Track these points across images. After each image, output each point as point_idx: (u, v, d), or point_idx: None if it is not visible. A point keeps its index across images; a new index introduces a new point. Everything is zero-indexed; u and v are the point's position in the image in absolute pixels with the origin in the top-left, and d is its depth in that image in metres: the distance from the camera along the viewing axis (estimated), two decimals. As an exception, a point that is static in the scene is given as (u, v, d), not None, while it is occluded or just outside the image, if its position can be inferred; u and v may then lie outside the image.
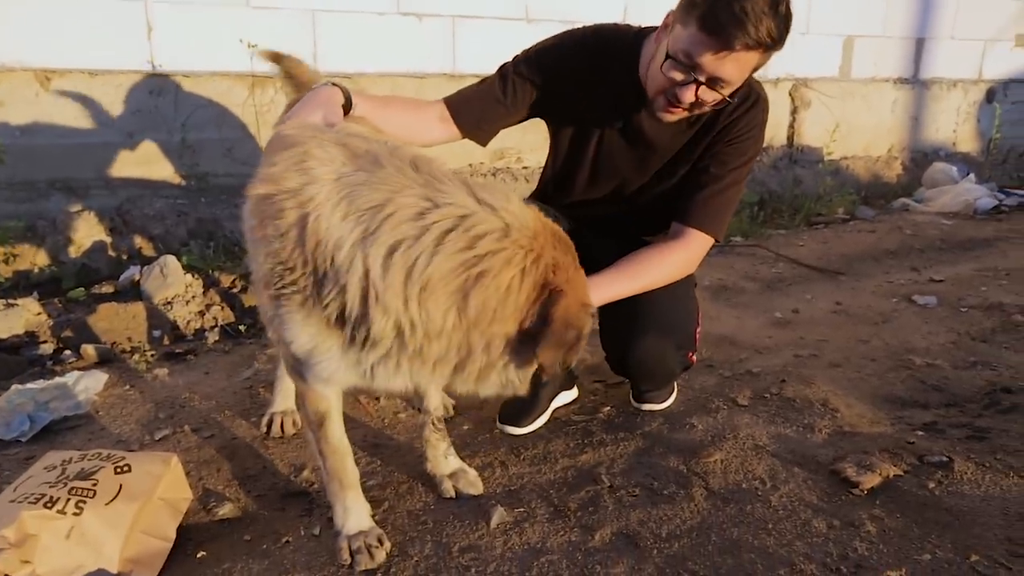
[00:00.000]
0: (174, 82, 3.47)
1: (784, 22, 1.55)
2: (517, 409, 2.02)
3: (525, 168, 4.39)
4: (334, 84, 1.63)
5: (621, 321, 1.86)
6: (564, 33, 1.91)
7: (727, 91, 1.64)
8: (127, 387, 2.28)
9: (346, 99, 1.61)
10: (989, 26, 5.89)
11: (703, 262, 1.93)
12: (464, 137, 1.89)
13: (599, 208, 2.00)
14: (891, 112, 5.72)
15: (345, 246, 1.19)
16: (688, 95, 1.63)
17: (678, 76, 1.63)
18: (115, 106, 3.39)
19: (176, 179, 3.57)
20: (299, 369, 1.37)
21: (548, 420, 2.06)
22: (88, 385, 2.14)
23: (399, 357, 1.24)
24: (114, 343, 2.62)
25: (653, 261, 1.78)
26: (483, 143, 1.93)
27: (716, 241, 1.86)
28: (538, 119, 1.98)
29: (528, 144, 4.29)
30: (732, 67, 1.58)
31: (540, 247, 1.23)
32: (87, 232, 3.30)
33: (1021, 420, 2.00)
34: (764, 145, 5.10)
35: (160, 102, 3.47)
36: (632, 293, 1.74)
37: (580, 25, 1.91)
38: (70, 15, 3.20)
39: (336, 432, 1.50)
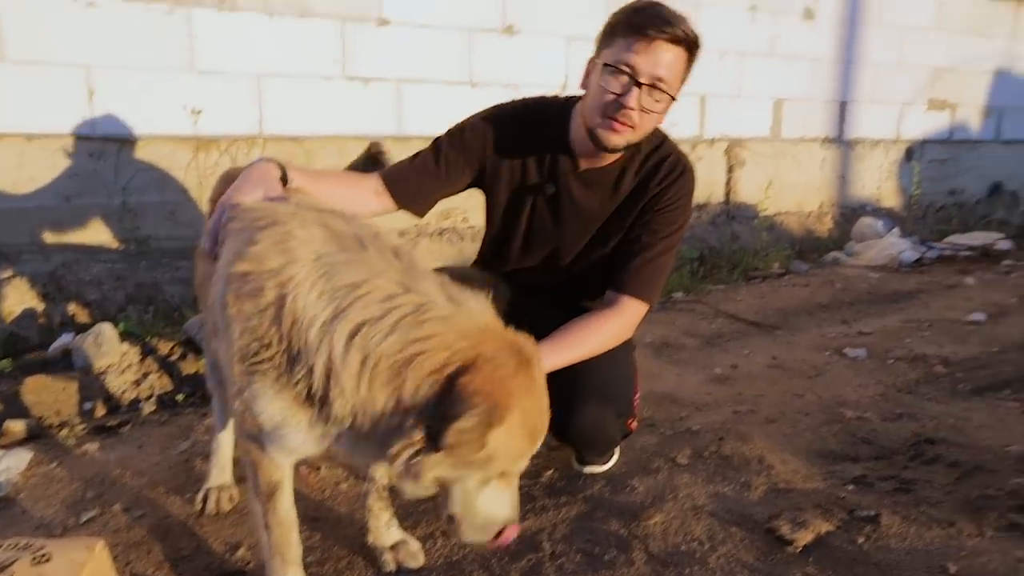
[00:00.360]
0: (115, 145, 3.45)
1: (694, 31, 1.71)
2: (460, 476, 2.02)
3: (471, 227, 4.46)
4: (267, 160, 1.65)
5: (561, 390, 1.88)
6: (495, 106, 2.01)
7: (666, 98, 1.73)
8: (53, 465, 2.19)
9: (282, 173, 1.64)
10: (904, 91, 6.31)
11: (645, 319, 1.99)
12: (399, 209, 1.93)
13: (536, 275, 2.05)
14: (820, 170, 6.03)
15: (316, 324, 1.22)
16: (632, 100, 1.70)
17: (617, 85, 1.72)
18: (52, 170, 3.34)
19: (115, 243, 3.51)
20: (261, 439, 1.37)
21: (491, 485, 2.06)
22: (9, 465, 2.05)
23: (357, 437, 1.26)
24: (41, 417, 2.52)
25: (590, 330, 1.83)
26: (419, 214, 1.98)
27: (650, 307, 1.92)
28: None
29: (473, 204, 4.36)
30: (663, 62, 1.69)
31: (482, 340, 1.22)
32: (17, 299, 3.20)
33: (943, 471, 2.09)
34: (703, 202, 5.40)
35: (100, 165, 3.44)
36: (570, 363, 1.78)
37: (523, 90, 2.00)
38: (7, 80, 3.17)
39: (286, 503, 1.48)
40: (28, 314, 3.20)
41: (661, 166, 1.92)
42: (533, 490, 2.03)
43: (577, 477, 2.09)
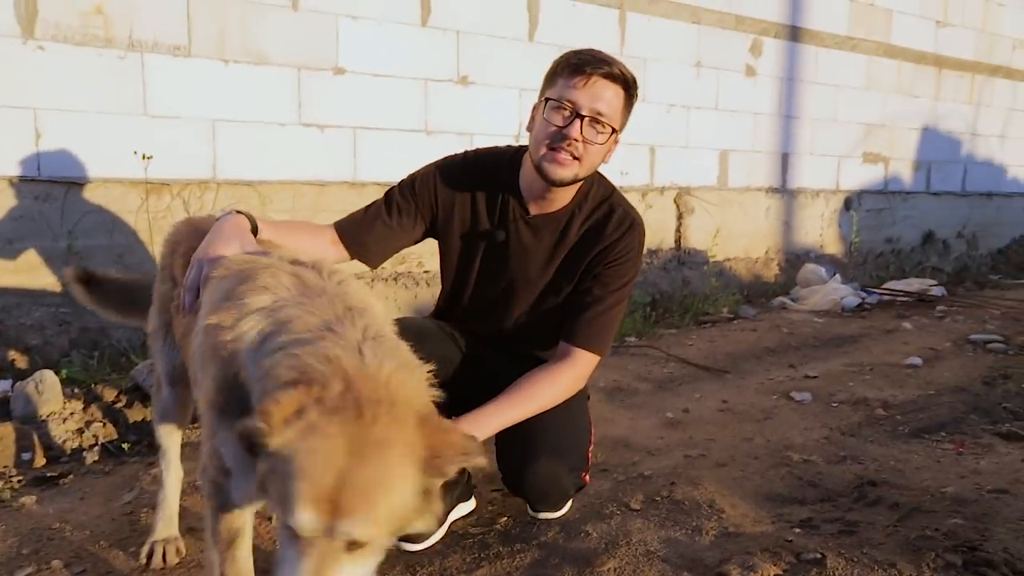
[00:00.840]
0: (63, 188, 3.39)
1: (630, 72, 1.85)
2: (414, 524, 2.01)
3: (426, 272, 4.48)
4: (237, 212, 1.67)
5: (515, 445, 1.92)
6: (446, 157, 2.09)
7: (608, 130, 1.83)
8: (-13, 519, 2.09)
9: (252, 225, 1.67)
10: (841, 145, 6.65)
11: (599, 364, 2.04)
12: (352, 259, 1.96)
13: (490, 324, 2.08)
14: (765, 218, 6.26)
15: (250, 354, 1.25)
16: (574, 130, 1.80)
17: (559, 118, 1.82)
18: (-5, 212, 3.26)
19: (59, 287, 3.42)
20: (225, 484, 1.36)
21: (445, 534, 2.05)
22: (-58, 520, 1.96)
23: None
24: (-24, 468, 2.42)
25: (542, 384, 1.87)
26: (372, 265, 2.03)
27: (601, 357, 1.97)
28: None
29: (430, 250, 4.36)
30: (602, 96, 1.80)
31: (359, 386, 1.10)
32: (-47, 345, 3.08)
33: (885, 512, 2.16)
34: (654, 248, 5.54)
35: (46, 208, 3.37)
36: (525, 417, 1.82)
37: (477, 138, 2.08)
38: (-49, 121, 3.10)
39: (245, 551, 1.46)
40: (-37, 361, 3.08)
41: (611, 218, 1.99)
42: (488, 537, 2.02)
43: (531, 523, 2.09)
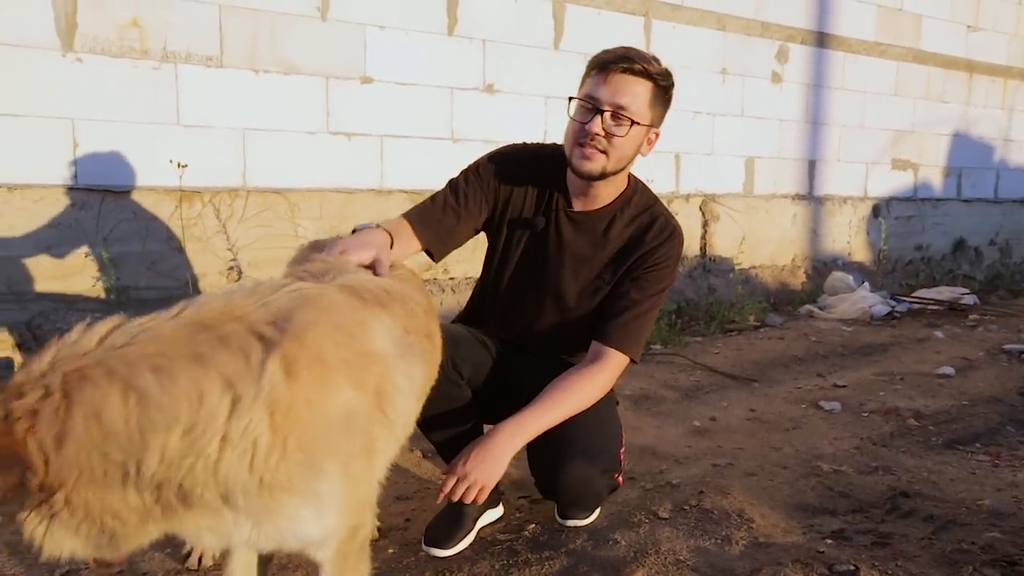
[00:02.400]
0: (98, 196, 3.46)
1: (661, 65, 1.88)
2: (443, 530, 2.02)
3: (451, 279, 4.51)
4: (377, 226, 1.79)
5: (547, 448, 1.92)
6: (504, 146, 2.13)
7: (628, 123, 1.84)
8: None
9: (390, 240, 1.78)
10: (869, 151, 6.57)
11: (625, 372, 2.04)
12: (424, 250, 1.99)
13: (522, 321, 2.09)
14: (792, 225, 6.20)
15: None
16: (595, 125, 1.84)
17: (583, 115, 1.87)
18: (33, 220, 3.34)
19: (94, 293, 3.49)
20: None
21: (474, 540, 2.05)
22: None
23: None
24: (15, 470, 2.47)
25: (577, 386, 1.88)
26: (436, 258, 2.04)
27: (633, 361, 1.98)
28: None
29: (454, 256, 4.42)
30: (624, 91, 1.83)
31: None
32: (-8, 349, 3.16)
33: (919, 524, 2.13)
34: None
35: (82, 216, 3.44)
36: (559, 421, 1.83)
37: (502, 146, 2.11)
38: (-7, 131, 3.19)
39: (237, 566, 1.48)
40: (3, 363, 3.15)
41: (653, 225, 2.01)
42: (516, 544, 2.03)
43: (560, 531, 2.09)
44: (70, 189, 3.40)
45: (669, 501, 2.27)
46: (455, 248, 2.07)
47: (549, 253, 2.04)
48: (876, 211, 6.72)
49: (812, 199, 6.28)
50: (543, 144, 2.14)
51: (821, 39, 6.08)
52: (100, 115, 3.41)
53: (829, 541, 2.03)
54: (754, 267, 5.94)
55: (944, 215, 7.25)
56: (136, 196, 3.55)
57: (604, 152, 1.87)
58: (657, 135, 1.98)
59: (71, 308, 3.43)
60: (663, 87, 1.90)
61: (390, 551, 2.02)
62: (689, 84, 5.41)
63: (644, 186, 2.10)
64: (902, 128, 6.77)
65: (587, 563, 1.91)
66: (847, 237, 6.57)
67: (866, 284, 5.87)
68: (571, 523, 2.11)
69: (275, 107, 3.85)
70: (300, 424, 1.09)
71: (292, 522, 1.16)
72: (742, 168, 5.85)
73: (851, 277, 5.90)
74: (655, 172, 5.26)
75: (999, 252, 7.74)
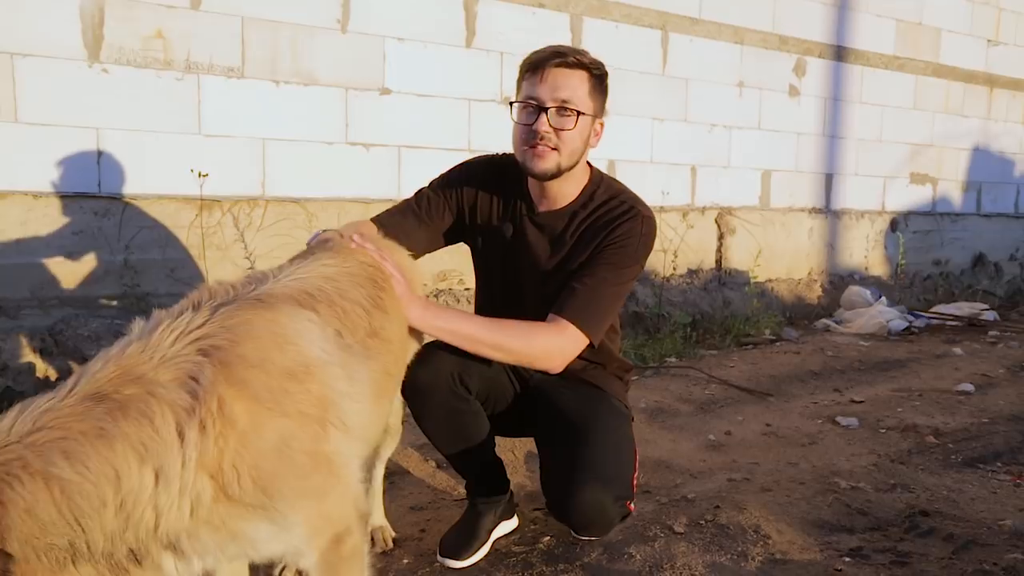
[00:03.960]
0: (120, 204, 3.52)
1: (586, 52, 1.89)
2: (458, 541, 2.02)
3: (467, 289, 4.52)
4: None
5: (559, 470, 1.90)
6: (472, 157, 2.18)
7: (574, 114, 1.85)
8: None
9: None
10: (887, 165, 6.53)
11: (638, 384, 2.01)
12: None
13: (514, 314, 2.08)
14: (808, 239, 6.17)
15: None
16: (542, 124, 1.84)
17: (527, 116, 1.88)
18: (57, 227, 3.39)
19: (115, 299, 3.53)
20: None
21: (489, 551, 2.05)
22: None
23: None
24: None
25: (521, 328, 1.87)
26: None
27: (590, 341, 1.90)
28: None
29: (470, 267, 4.44)
30: (561, 85, 1.84)
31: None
32: (15, 353, 3.20)
33: (939, 544, 2.10)
34: (694, 268, 5.50)
35: (104, 223, 3.49)
36: (477, 343, 1.82)
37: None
38: (19, 140, 3.25)
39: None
40: (25, 368, 3.19)
41: (614, 210, 1.98)
42: (531, 556, 2.02)
43: (574, 544, 2.08)
44: (94, 197, 3.45)
45: (684, 515, 2.25)
46: (421, 250, 2.07)
47: (521, 259, 2.05)
48: (894, 225, 6.67)
49: (829, 212, 6.25)
50: (508, 153, 2.12)
51: (839, 53, 6.06)
52: (124, 124, 3.46)
53: (847, 559, 2.01)
54: (770, 280, 5.90)
55: (963, 230, 7.18)
56: (157, 204, 3.60)
57: (555, 149, 1.87)
58: (602, 125, 1.97)
59: (92, 315, 3.47)
60: (598, 76, 1.90)
61: (405, 561, 2.02)
62: (706, 97, 5.41)
63: (609, 178, 2.08)
64: (921, 142, 6.72)
65: (602, 577, 1.90)
66: (864, 251, 6.52)
67: (883, 299, 5.82)
68: (586, 537, 2.10)
69: (295, 117, 3.90)
70: (241, 470, 1.11)
71: (255, 544, 1.20)
72: (758, 181, 5.83)
73: (868, 291, 5.85)
74: (670, 184, 5.26)
75: (1019, 267, 7.65)
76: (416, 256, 2.04)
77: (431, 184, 2.12)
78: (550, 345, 1.87)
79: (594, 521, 1.98)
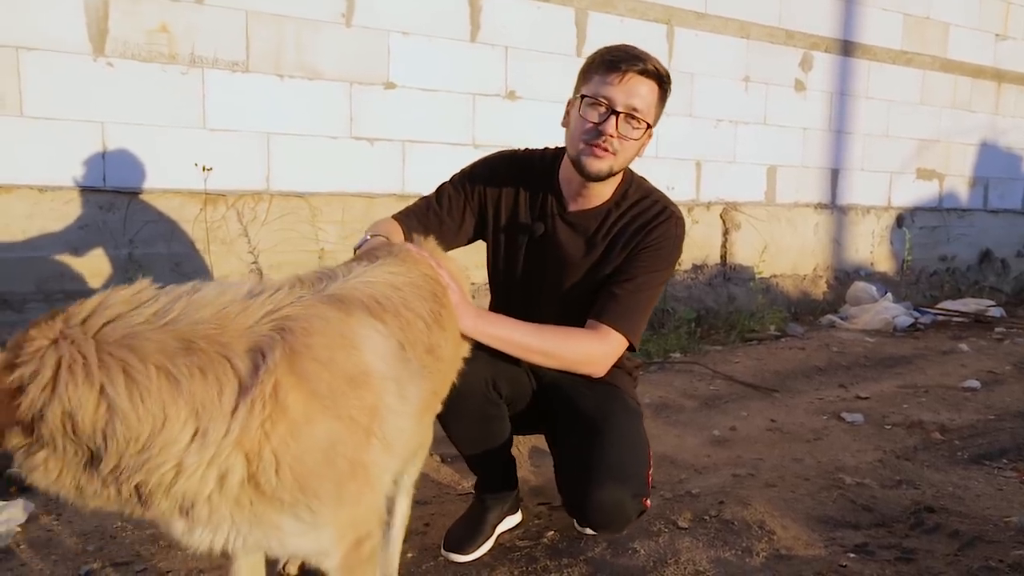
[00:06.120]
0: (125, 198, 3.52)
1: (664, 67, 1.87)
2: (462, 535, 2.02)
3: (472, 284, 4.51)
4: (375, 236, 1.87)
5: (575, 468, 1.88)
6: (494, 153, 2.13)
7: (643, 126, 1.85)
8: (54, 517, 2.17)
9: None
10: (893, 160, 6.50)
11: (643, 379, 2.01)
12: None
13: (539, 315, 2.08)
14: (814, 234, 6.14)
15: None
16: (610, 126, 1.82)
17: (595, 115, 1.84)
18: (62, 221, 3.40)
19: (119, 293, 3.53)
20: None
21: (493, 546, 2.05)
22: (10, 516, 2.04)
23: None
24: (41, 467, 2.50)
25: (567, 335, 1.86)
26: None
27: (631, 345, 1.92)
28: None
29: (475, 261, 4.43)
30: (637, 93, 1.82)
31: None
32: (21, 347, 3.21)
33: (945, 540, 2.10)
34: (699, 263, 5.48)
35: (109, 217, 3.50)
36: (528, 350, 1.81)
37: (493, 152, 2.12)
38: (24, 135, 3.25)
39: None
40: (30, 363, 3.20)
41: (649, 210, 1.98)
42: (535, 551, 2.02)
43: (578, 538, 2.08)
44: (98, 191, 3.45)
45: (689, 511, 2.25)
46: (445, 247, 2.05)
47: (551, 258, 2.02)
48: (900, 221, 6.64)
49: (835, 208, 6.22)
50: (531, 149, 2.13)
51: (846, 47, 6.03)
52: (129, 119, 3.46)
53: (852, 555, 2.00)
54: (775, 276, 5.88)
55: (970, 225, 7.14)
56: (162, 199, 3.61)
57: (613, 153, 1.86)
58: (651, 137, 1.96)
59: (97, 308, 3.48)
60: (665, 88, 1.89)
61: (409, 555, 2.02)
62: (711, 92, 5.39)
63: (639, 178, 2.07)
64: (927, 137, 6.69)
65: (606, 571, 1.90)
66: (870, 247, 6.50)
67: (889, 295, 5.79)
68: (590, 531, 2.10)
69: (299, 112, 3.89)
70: (281, 461, 1.10)
71: (279, 537, 1.19)
72: (764, 176, 5.81)
73: (874, 287, 5.83)
74: (676, 179, 5.24)
75: (1026, 264, 7.62)
76: None
77: (452, 180, 2.07)
78: (595, 351, 1.89)
79: (613, 519, 1.95)
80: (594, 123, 1.84)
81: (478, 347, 1.83)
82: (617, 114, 1.81)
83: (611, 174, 1.91)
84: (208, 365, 1.06)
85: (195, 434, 1.04)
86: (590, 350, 1.88)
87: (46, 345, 0.99)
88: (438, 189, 2.07)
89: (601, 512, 1.90)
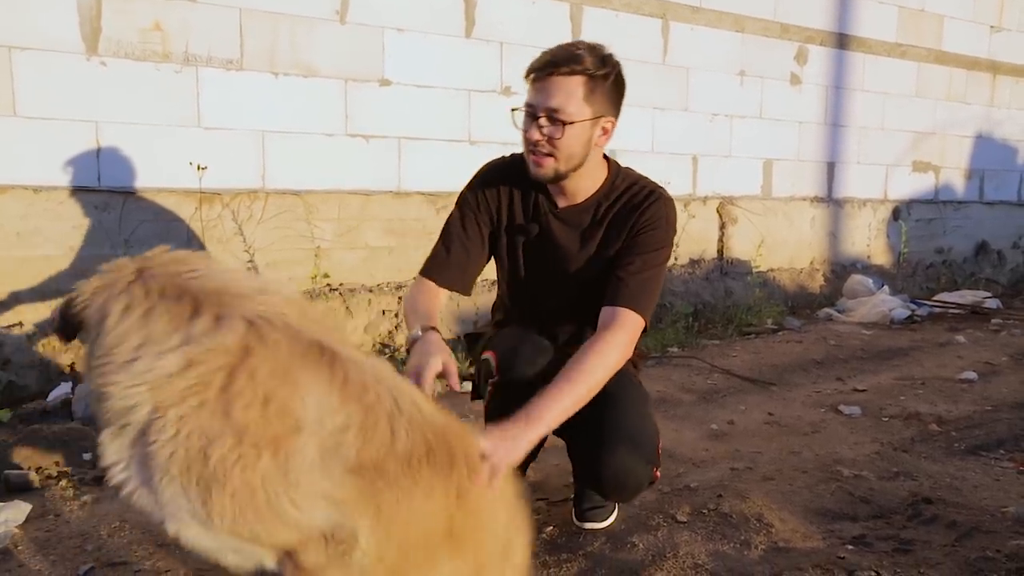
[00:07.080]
0: (120, 198, 3.51)
1: (600, 53, 1.85)
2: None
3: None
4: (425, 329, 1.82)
5: (589, 434, 1.92)
6: (488, 161, 2.15)
7: (561, 124, 1.84)
8: (52, 517, 2.17)
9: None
10: (889, 153, 6.51)
11: (641, 374, 2.02)
12: (452, 291, 2.04)
13: (547, 321, 2.10)
14: (810, 228, 6.15)
15: None
16: (533, 133, 1.86)
17: (525, 123, 1.88)
18: (57, 221, 3.39)
19: (116, 293, 3.52)
20: None
21: (491, 542, 2.05)
22: (8, 517, 2.03)
23: None
24: (39, 468, 2.50)
25: (592, 356, 1.79)
26: (467, 292, 2.06)
27: (645, 325, 1.91)
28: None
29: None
30: (553, 93, 1.83)
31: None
32: (16, 348, 3.20)
33: (942, 531, 2.10)
34: (696, 258, 5.49)
35: (105, 217, 3.49)
36: (585, 399, 1.75)
37: (519, 148, 2.11)
38: (17, 134, 3.24)
39: None
40: (27, 363, 3.19)
41: (637, 195, 1.99)
42: (534, 546, 2.02)
43: (577, 533, 2.09)
44: (93, 191, 3.44)
45: (687, 504, 2.26)
46: (478, 273, 2.09)
47: (550, 254, 2.06)
48: (896, 214, 6.65)
49: (831, 201, 6.23)
50: (517, 153, 2.11)
51: (841, 40, 6.03)
52: (123, 118, 3.45)
53: (850, 547, 2.01)
54: (772, 270, 5.89)
55: (966, 218, 7.16)
56: (157, 198, 3.59)
57: (551, 155, 1.88)
58: (612, 123, 1.94)
59: (94, 308, 3.47)
60: (599, 76, 1.85)
61: (408, 552, 2.02)
62: (707, 86, 5.39)
63: (626, 169, 2.08)
64: (923, 130, 6.69)
65: (605, 566, 1.90)
66: (866, 240, 6.51)
67: (886, 287, 5.81)
68: (589, 526, 2.11)
69: (294, 109, 3.88)
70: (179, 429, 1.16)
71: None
72: (760, 170, 5.81)
73: (870, 280, 5.84)
74: (672, 174, 5.24)
75: (1022, 255, 7.63)
76: (471, 286, 2.06)
77: (459, 205, 2.09)
78: (620, 345, 1.85)
79: (625, 483, 1.96)
80: (523, 132, 1.89)
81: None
82: (537, 118, 1.85)
83: (560, 174, 1.92)
84: (177, 312, 1.18)
85: (128, 360, 1.14)
86: (618, 349, 1.85)
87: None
88: (446, 223, 2.08)
89: (615, 476, 1.92)
